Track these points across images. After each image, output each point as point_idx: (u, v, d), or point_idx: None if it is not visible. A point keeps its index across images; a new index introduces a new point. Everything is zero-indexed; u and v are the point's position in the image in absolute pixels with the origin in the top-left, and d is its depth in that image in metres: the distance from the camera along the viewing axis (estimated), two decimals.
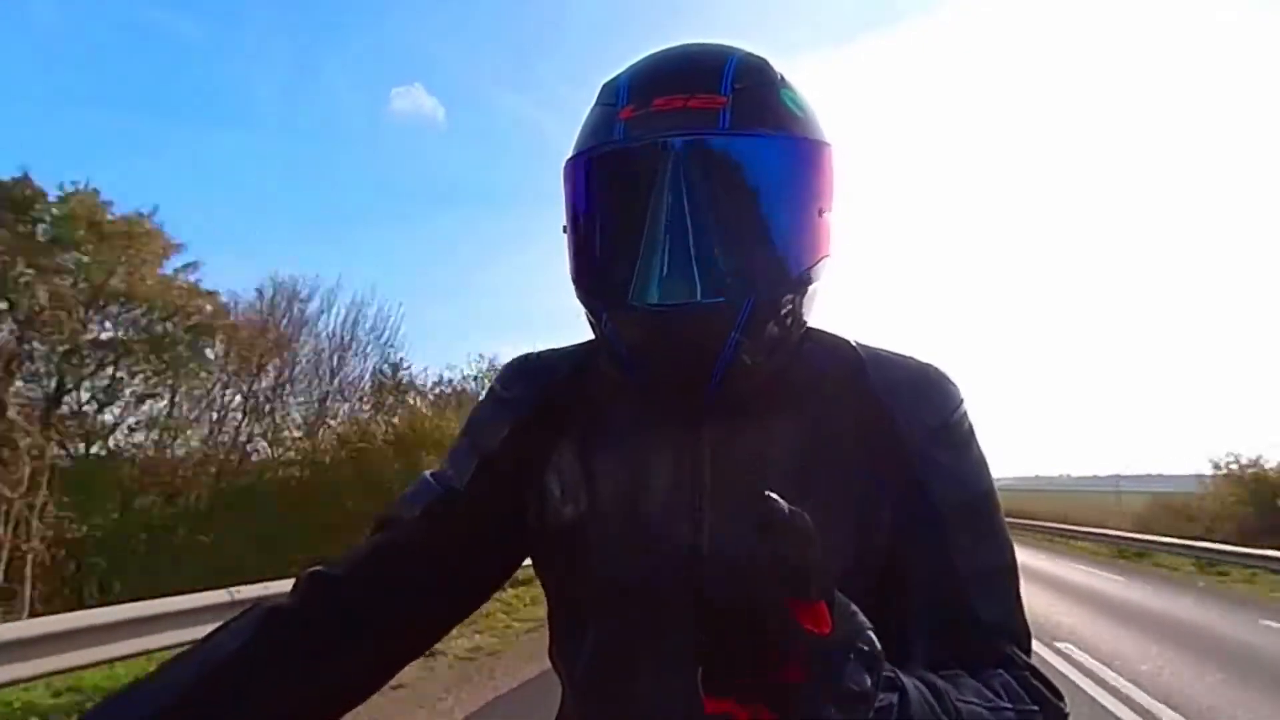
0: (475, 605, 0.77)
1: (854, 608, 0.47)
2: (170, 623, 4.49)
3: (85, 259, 12.93)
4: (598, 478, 0.70)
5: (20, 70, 22.57)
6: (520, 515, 0.72)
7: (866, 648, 0.46)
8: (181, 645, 3.15)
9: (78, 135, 25.16)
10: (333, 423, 16.10)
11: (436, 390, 17.10)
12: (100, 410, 13.86)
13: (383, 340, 17.22)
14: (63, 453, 12.89)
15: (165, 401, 14.52)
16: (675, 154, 0.62)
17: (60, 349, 12.79)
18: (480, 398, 0.84)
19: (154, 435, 14.21)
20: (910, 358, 0.73)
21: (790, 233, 0.64)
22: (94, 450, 13.90)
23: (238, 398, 15.39)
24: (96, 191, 13.43)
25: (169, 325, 13.95)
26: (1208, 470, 28.04)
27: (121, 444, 14.23)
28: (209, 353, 14.88)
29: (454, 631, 0.88)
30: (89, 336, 13.27)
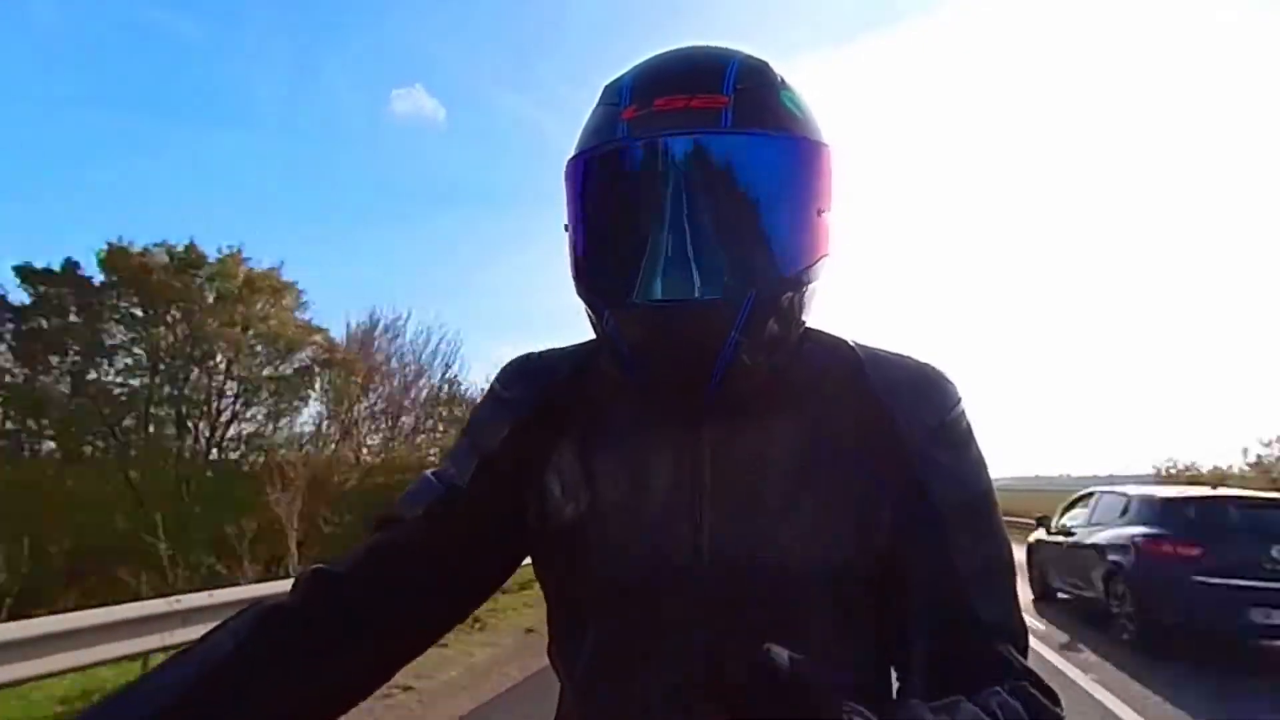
0: (475, 605, 0.76)
1: None
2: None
3: (245, 309, 16.68)
4: (598, 478, 0.70)
5: (20, 70, 22.25)
6: (520, 515, 0.72)
7: None
8: None
9: (78, 135, 24.82)
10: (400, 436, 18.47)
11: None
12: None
13: (444, 361, 19.44)
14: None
15: (302, 419, 18.02)
16: (677, 152, 0.62)
17: (243, 387, 16.56)
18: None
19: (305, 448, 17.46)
20: (909, 358, 0.74)
21: (790, 231, 0.65)
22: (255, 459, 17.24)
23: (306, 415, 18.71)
24: (240, 250, 17.16)
25: (304, 359, 17.69)
26: (1151, 473, 32.43)
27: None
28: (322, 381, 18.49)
29: None
30: (266, 373, 17.17)
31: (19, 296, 15.51)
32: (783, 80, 0.68)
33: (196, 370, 16.21)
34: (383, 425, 17.76)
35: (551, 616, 0.74)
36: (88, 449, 15.86)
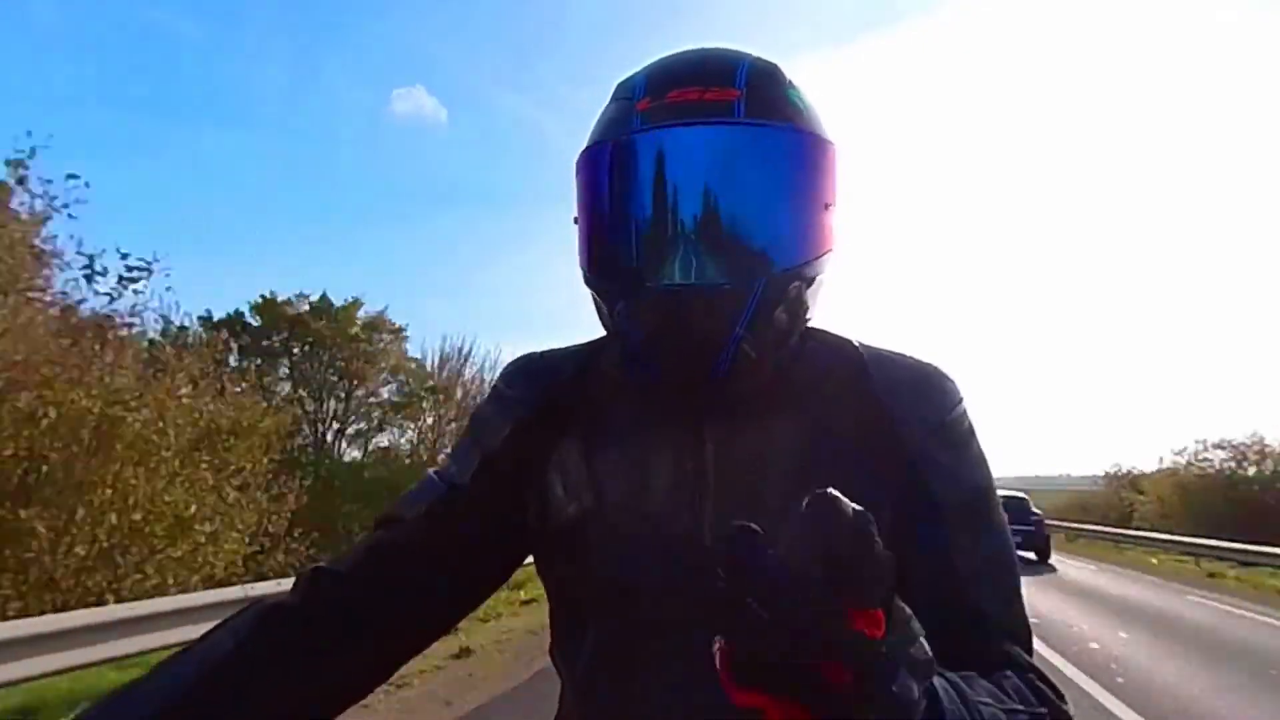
0: (476, 604, 0.77)
1: (909, 613, 0.45)
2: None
3: (368, 347, 20.97)
4: (599, 477, 0.70)
5: (20, 70, 23.10)
6: (521, 515, 0.73)
7: (920, 656, 0.44)
8: None
9: (78, 135, 26.21)
10: None
11: None
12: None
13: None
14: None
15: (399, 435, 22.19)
16: (691, 142, 0.64)
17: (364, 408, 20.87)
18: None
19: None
20: (911, 357, 0.73)
21: (799, 222, 0.66)
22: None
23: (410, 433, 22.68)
24: (360, 299, 21.44)
25: (411, 386, 22.00)
26: (1100, 474, 37.98)
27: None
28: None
29: None
30: (385, 398, 21.37)
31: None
32: (791, 81, 0.69)
33: (334, 398, 20.55)
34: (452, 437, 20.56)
35: (553, 616, 0.75)
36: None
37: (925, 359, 0.73)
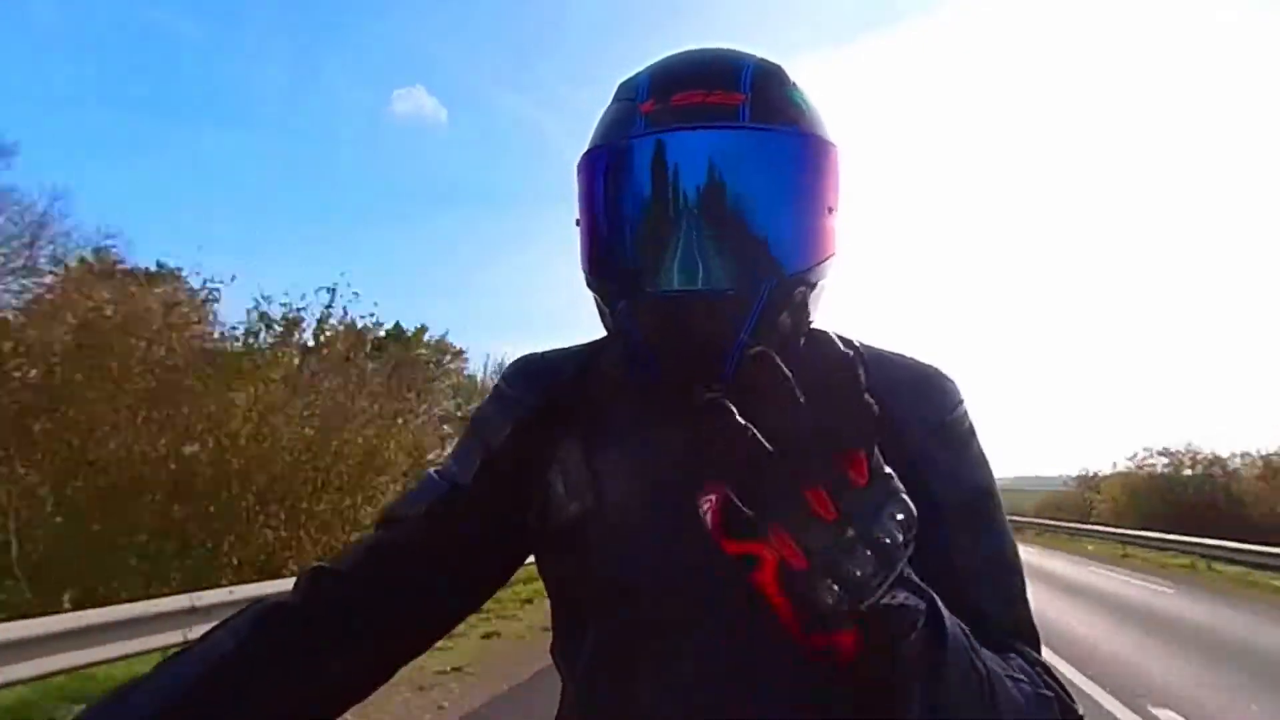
0: (476, 605, 0.77)
1: (890, 471, 0.46)
2: None
3: (435, 369, 24.64)
4: (600, 477, 0.70)
5: (20, 70, 22.83)
6: (522, 515, 0.72)
7: (900, 510, 0.46)
8: None
9: (78, 135, 25.24)
10: None
11: None
12: None
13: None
14: None
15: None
16: (695, 146, 0.63)
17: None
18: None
19: None
20: (911, 358, 0.73)
21: (803, 227, 0.65)
22: None
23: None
24: (425, 326, 25.09)
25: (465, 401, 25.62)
26: (1071, 475, 42.53)
27: None
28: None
29: None
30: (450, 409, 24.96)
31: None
32: (794, 83, 0.69)
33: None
34: None
35: (553, 616, 0.75)
36: None
37: (926, 360, 0.74)
